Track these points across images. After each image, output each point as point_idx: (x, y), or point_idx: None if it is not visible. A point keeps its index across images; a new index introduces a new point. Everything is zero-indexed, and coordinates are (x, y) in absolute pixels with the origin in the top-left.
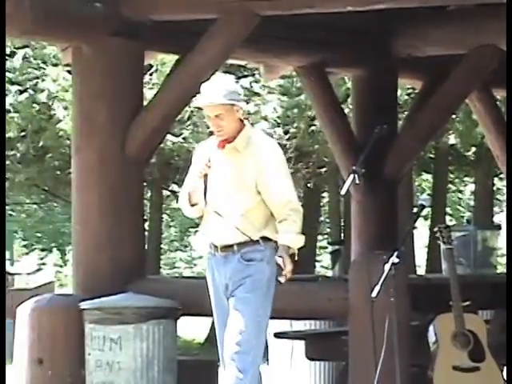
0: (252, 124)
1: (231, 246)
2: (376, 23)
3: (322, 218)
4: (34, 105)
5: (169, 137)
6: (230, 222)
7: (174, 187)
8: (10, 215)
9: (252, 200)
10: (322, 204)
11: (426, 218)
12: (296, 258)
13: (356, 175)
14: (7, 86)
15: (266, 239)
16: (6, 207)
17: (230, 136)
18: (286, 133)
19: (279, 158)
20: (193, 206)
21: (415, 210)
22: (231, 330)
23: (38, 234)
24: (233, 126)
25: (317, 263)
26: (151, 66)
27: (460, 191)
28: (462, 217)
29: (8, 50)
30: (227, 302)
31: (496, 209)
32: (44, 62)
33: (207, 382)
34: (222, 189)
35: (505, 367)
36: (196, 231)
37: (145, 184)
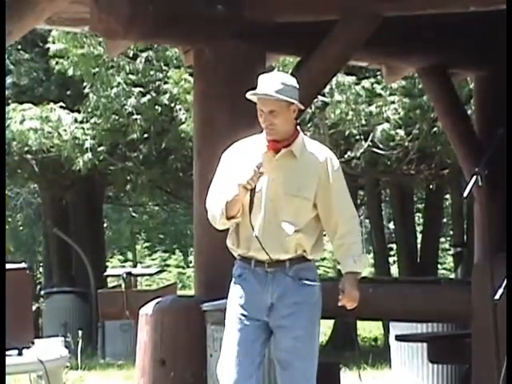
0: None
1: (282, 261)
2: (499, 23)
3: (444, 220)
4: (157, 107)
5: None
6: (284, 235)
7: None
8: (133, 217)
9: (310, 213)
10: (444, 206)
11: None
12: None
13: (479, 177)
14: (130, 88)
15: (314, 258)
16: (130, 209)
17: (282, 137)
18: (408, 134)
19: (340, 169)
20: (230, 218)
21: None
22: (295, 372)
23: (161, 236)
24: (286, 126)
25: (439, 265)
26: (273, 68)
27: None
28: None
29: (131, 53)
30: (262, 323)
31: None
32: (166, 65)
33: None
34: (277, 197)
35: None
36: None
37: None
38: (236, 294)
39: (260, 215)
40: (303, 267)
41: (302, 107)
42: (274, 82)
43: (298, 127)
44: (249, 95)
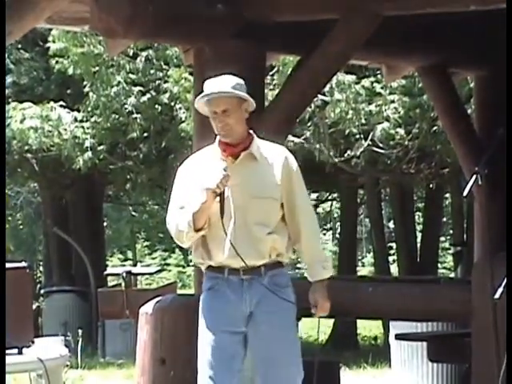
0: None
1: (258, 267)
2: (499, 22)
3: (444, 219)
4: (157, 106)
5: (290, 137)
6: (258, 239)
7: None
8: (133, 216)
9: (278, 213)
10: (444, 205)
11: None
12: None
13: (479, 176)
14: (130, 87)
15: (286, 261)
16: (130, 207)
17: (236, 140)
18: (408, 133)
19: (298, 168)
20: (198, 230)
21: None
22: (278, 381)
23: (161, 235)
24: (240, 127)
25: (439, 264)
26: (273, 67)
27: None
28: None
29: (131, 52)
30: (241, 336)
31: None
32: (166, 64)
33: (329, 383)
34: (244, 202)
35: None
36: None
37: None
38: (209, 309)
39: (230, 223)
40: (277, 273)
41: (253, 107)
42: (224, 82)
43: (251, 130)
44: (199, 99)
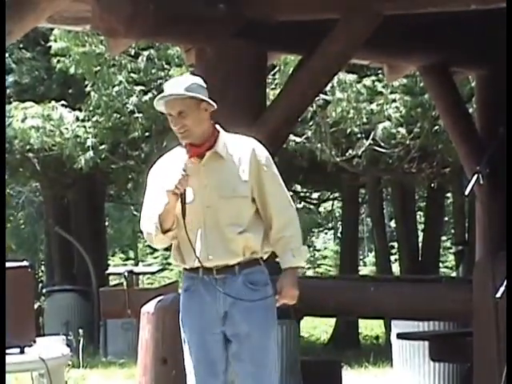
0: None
1: (231, 266)
2: (499, 21)
3: (446, 219)
4: None
5: (291, 137)
6: (229, 239)
7: (297, 187)
8: (134, 215)
9: (250, 209)
10: (446, 204)
11: None
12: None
13: (480, 175)
14: (132, 86)
15: (263, 258)
16: (131, 207)
17: (199, 140)
18: (409, 132)
19: (270, 158)
20: (166, 232)
21: None
22: (254, 381)
23: None
24: (200, 127)
25: (441, 264)
26: (274, 67)
27: None
28: None
29: (132, 51)
30: (221, 335)
31: None
32: (168, 63)
33: (330, 383)
34: (213, 203)
35: None
36: (319, 231)
37: None
38: (186, 310)
39: (199, 224)
40: (253, 271)
41: (214, 105)
42: (179, 83)
43: (218, 126)
44: (156, 101)
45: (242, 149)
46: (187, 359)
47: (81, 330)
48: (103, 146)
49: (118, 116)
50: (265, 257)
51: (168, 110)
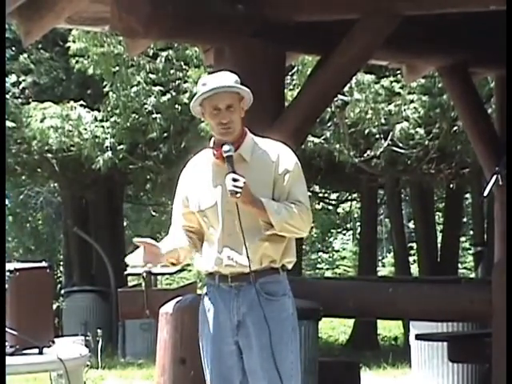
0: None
1: (246, 274)
2: None
3: (464, 219)
4: (176, 106)
5: (310, 138)
6: (248, 246)
7: (316, 188)
8: (153, 216)
9: None
10: (464, 205)
11: None
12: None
13: (499, 176)
14: (150, 87)
15: (284, 268)
16: (149, 208)
17: (235, 138)
18: (428, 133)
19: (297, 163)
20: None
21: None
22: None
23: None
24: (239, 125)
25: (459, 265)
26: (292, 67)
27: None
28: None
29: (151, 52)
30: (235, 345)
31: None
32: (186, 64)
33: (349, 383)
34: (234, 208)
35: None
36: (338, 232)
37: None
38: (203, 317)
39: (218, 229)
40: (270, 280)
41: (249, 105)
42: (226, 77)
43: (246, 128)
44: (199, 96)
45: (267, 153)
46: (204, 367)
47: (99, 331)
48: (121, 147)
49: (137, 116)
50: (289, 267)
51: (215, 102)
